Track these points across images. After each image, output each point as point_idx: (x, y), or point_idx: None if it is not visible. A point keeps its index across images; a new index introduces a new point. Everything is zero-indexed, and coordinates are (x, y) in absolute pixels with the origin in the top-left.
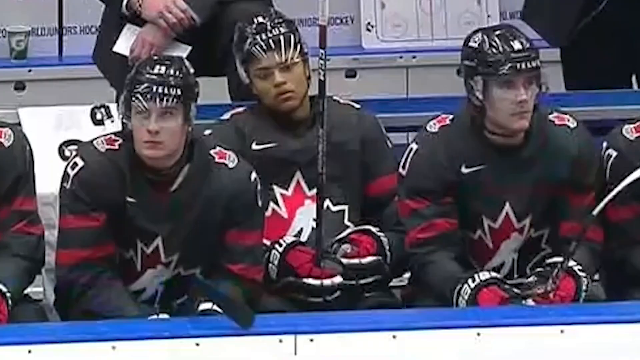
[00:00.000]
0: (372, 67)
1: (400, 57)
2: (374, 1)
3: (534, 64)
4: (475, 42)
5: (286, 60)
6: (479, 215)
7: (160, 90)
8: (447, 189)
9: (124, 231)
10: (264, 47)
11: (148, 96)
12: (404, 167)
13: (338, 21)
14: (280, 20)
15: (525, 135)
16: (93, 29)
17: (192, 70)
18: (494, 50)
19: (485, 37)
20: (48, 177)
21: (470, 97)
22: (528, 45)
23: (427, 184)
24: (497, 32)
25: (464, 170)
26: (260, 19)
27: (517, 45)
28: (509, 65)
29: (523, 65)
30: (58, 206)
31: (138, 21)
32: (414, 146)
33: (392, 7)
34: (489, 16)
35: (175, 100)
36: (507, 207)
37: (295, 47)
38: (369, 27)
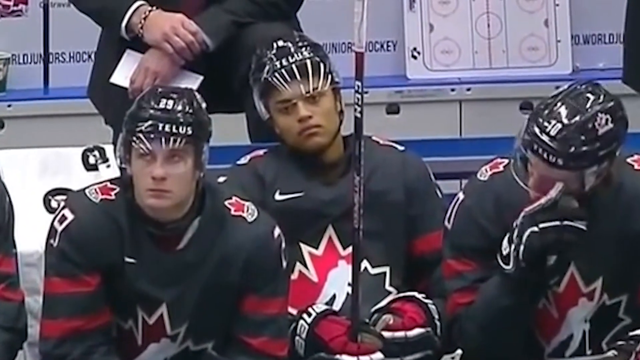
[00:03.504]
0: (419, 101)
1: (452, 90)
2: (421, 23)
3: (554, 161)
4: (551, 96)
5: (314, 89)
6: None
7: (166, 128)
8: (493, 250)
9: (122, 297)
10: (286, 76)
11: (152, 136)
12: (448, 220)
13: (378, 47)
14: (306, 43)
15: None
16: (85, 56)
17: (204, 105)
18: (538, 118)
19: (557, 97)
20: (31, 233)
21: None
22: (572, 140)
23: (471, 242)
24: (565, 104)
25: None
26: (282, 43)
27: (554, 128)
28: (529, 138)
29: (544, 154)
30: (43, 267)
31: (140, 46)
32: (461, 196)
33: (442, 30)
34: (558, 41)
35: (184, 140)
36: (572, 267)
37: (325, 76)
38: (415, 54)
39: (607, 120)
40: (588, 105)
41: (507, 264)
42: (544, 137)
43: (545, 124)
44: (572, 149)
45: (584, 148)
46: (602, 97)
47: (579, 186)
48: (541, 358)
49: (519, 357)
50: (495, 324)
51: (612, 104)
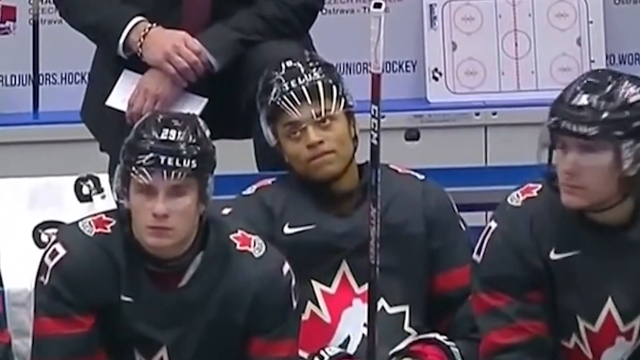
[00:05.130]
0: (440, 126)
1: (477, 114)
2: (443, 42)
3: (587, 131)
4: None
5: (325, 111)
6: (572, 316)
7: (169, 162)
8: (533, 280)
9: (119, 339)
10: (295, 98)
11: (153, 169)
12: (478, 252)
13: (396, 67)
14: (317, 64)
15: (635, 210)
16: (78, 77)
17: (208, 133)
18: (562, 99)
19: (577, 80)
20: (19, 270)
21: None
22: (602, 106)
23: (507, 272)
24: (587, 80)
25: (553, 256)
26: (291, 63)
27: (581, 99)
28: (556, 118)
29: (574, 127)
30: (32, 307)
31: (139, 66)
32: (492, 224)
33: (465, 48)
34: (592, 61)
35: (188, 174)
36: (610, 304)
37: (337, 99)
38: (436, 75)
39: (635, 90)
40: (611, 78)
41: None
42: (573, 111)
43: (570, 99)
44: (604, 114)
45: (616, 115)
46: (624, 75)
47: (617, 164)
48: None
49: None
50: None
51: (637, 80)
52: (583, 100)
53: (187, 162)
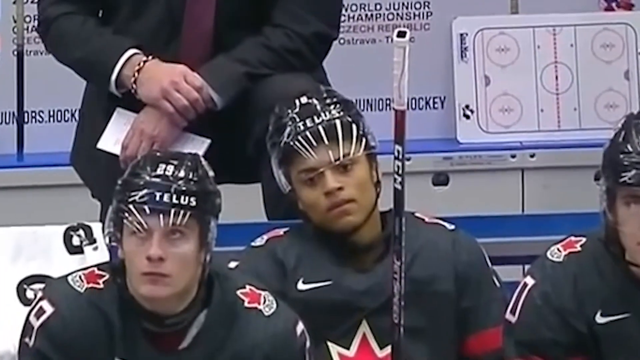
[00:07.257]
0: (472, 169)
1: (513, 156)
2: (474, 75)
3: None
4: (618, 129)
5: (344, 156)
6: None
7: (165, 199)
8: (576, 345)
9: None
10: (311, 139)
11: (147, 208)
12: (513, 312)
13: (422, 104)
14: (335, 100)
15: None
16: (67, 115)
17: (211, 174)
18: (625, 146)
19: (628, 123)
20: (2, 330)
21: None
22: None
23: (548, 336)
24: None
25: (600, 319)
26: (305, 100)
27: None
28: (634, 172)
29: None
30: None
31: (133, 104)
32: (529, 281)
33: (500, 83)
34: None
35: (186, 213)
36: None
37: (358, 140)
38: (467, 113)
39: None
40: None
41: None
42: None
43: (638, 147)
44: None
45: None
46: None
47: None
48: None
49: None
50: None
51: None
52: None
53: (185, 199)
